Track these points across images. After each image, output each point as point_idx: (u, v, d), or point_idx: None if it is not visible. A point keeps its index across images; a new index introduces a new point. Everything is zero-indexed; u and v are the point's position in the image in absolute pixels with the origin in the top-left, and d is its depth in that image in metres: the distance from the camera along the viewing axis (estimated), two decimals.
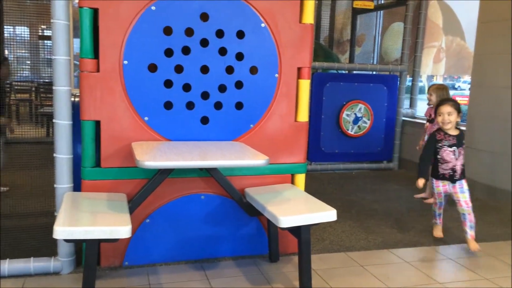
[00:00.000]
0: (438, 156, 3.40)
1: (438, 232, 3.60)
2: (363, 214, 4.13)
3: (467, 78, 6.90)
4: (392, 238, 3.56)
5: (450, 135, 3.38)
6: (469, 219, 3.34)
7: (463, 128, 4.90)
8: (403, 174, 5.91)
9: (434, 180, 3.46)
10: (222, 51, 2.88)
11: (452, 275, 2.98)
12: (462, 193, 3.38)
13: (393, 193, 4.91)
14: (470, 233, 3.34)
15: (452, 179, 3.38)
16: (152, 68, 2.78)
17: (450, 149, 3.35)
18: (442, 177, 3.41)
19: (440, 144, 3.38)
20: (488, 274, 2.98)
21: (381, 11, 7.82)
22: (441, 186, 3.44)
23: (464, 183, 3.39)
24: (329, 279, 2.81)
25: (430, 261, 3.18)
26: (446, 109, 3.35)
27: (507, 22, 4.60)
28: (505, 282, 2.87)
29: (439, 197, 3.52)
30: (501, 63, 4.67)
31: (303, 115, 3.09)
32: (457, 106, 3.38)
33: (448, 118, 3.34)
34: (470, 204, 3.36)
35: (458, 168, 3.37)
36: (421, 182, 3.37)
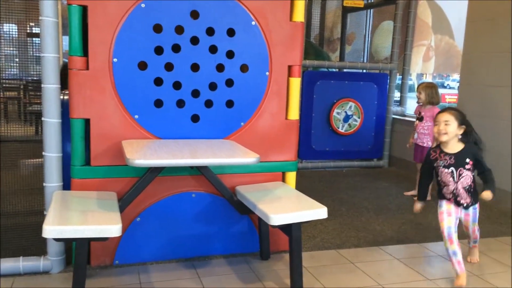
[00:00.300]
0: (438, 178, 2.88)
1: (460, 281, 2.76)
2: (354, 212, 4.15)
3: (456, 76, 6.96)
4: (383, 235, 3.59)
5: (446, 154, 2.81)
6: (473, 237, 3.04)
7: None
8: (393, 172, 5.95)
9: (444, 202, 2.86)
10: (213, 49, 2.87)
11: (441, 272, 3.00)
12: (474, 222, 2.91)
13: (383, 191, 4.94)
14: (473, 244, 3.10)
15: (458, 203, 2.83)
16: (142, 66, 2.76)
17: (446, 170, 2.80)
18: (449, 200, 2.86)
19: (435, 164, 2.86)
20: (476, 270, 3.01)
21: (371, 10, 7.85)
22: (452, 206, 2.84)
23: (477, 209, 2.89)
24: (320, 277, 2.82)
25: (420, 258, 3.20)
26: (443, 117, 2.78)
27: (495, 21, 4.64)
28: (494, 278, 2.90)
29: (448, 216, 2.81)
30: (489, 61, 4.71)
31: (294, 113, 3.10)
32: (459, 116, 2.78)
33: (445, 128, 2.75)
34: (477, 229, 2.98)
35: (461, 191, 2.79)
36: (418, 205, 2.98)
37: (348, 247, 3.31)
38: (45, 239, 2.66)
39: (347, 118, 5.87)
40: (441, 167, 2.81)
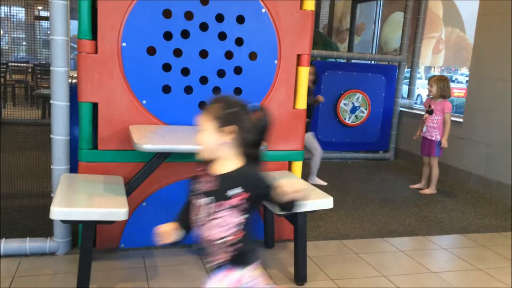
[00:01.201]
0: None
1: None
2: (359, 203, 4.15)
3: (465, 70, 6.90)
4: (387, 227, 3.58)
5: (207, 174, 1.57)
6: None
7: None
8: (398, 164, 5.93)
9: None
10: (222, 36, 2.86)
11: (445, 264, 3.01)
12: None
13: (388, 183, 4.93)
14: None
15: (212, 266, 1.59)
16: (151, 51, 2.75)
17: (201, 200, 1.56)
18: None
19: (194, 187, 1.62)
20: (480, 264, 3.00)
21: (381, 0, 7.78)
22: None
23: (232, 277, 1.54)
24: (324, 266, 2.82)
25: (423, 250, 3.20)
26: (198, 120, 1.52)
27: (507, 15, 4.58)
28: (497, 273, 2.90)
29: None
30: (500, 55, 4.67)
31: (302, 103, 3.08)
32: (221, 111, 1.48)
33: (198, 139, 1.53)
34: None
35: (210, 245, 1.61)
36: (165, 227, 1.73)
37: (352, 238, 3.31)
38: (51, 221, 2.68)
39: (354, 109, 5.85)
40: (192, 196, 1.62)
